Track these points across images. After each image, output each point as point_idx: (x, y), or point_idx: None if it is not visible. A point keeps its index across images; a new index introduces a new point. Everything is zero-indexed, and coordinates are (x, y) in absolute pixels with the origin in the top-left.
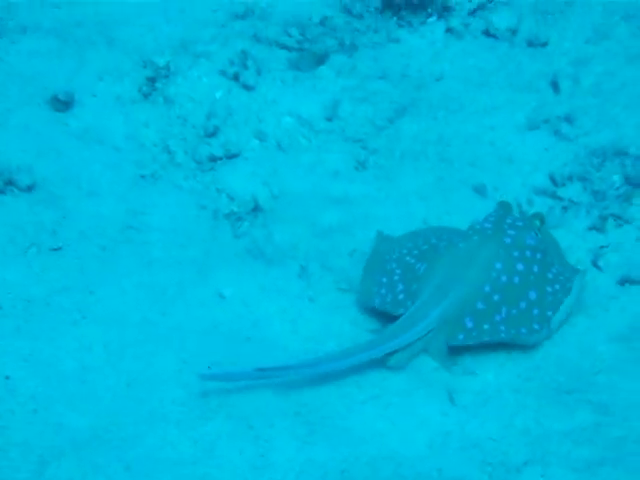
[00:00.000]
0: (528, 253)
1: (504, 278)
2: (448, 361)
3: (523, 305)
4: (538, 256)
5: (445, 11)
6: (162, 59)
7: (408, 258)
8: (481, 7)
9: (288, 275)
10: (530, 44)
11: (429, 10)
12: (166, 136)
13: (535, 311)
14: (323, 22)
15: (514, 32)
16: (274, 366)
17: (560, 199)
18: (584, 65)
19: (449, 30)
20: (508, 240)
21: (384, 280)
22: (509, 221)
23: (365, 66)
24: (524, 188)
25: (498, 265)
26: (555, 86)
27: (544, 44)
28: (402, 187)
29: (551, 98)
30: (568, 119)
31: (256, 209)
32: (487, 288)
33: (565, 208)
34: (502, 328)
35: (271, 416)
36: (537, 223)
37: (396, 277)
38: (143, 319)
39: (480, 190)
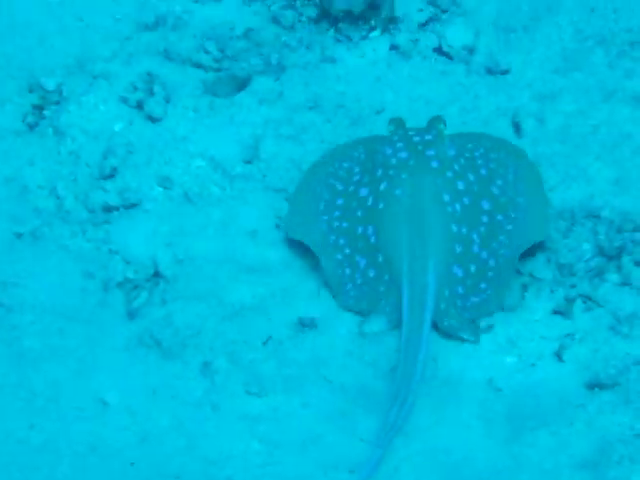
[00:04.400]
0: (456, 166)
1: (457, 206)
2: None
3: (485, 219)
4: (462, 161)
5: (391, 24)
6: (52, 81)
7: (342, 224)
8: (433, 19)
9: (188, 373)
10: (489, 71)
11: (372, 22)
12: (54, 177)
13: (499, 217)
14: (247, 35)
15: (471, 51)
16: None
17: (519, 273)
18: (551, 101)
19: (394, 47)
20: (435, 164)
21: (346, 266)
22: (418, 139)
23: (294, 92)
24: None
25: (446, 197)
26: (517, 127)
27: (505, 72)
28: None
29: (512, 142)
30: None
31: (156, 275)
32: (454, 227)
33: (525, 286)
34: (484, 256)
35: None
36: (442, 127)
37: (351, 254)
38: (7, 434)
39: None
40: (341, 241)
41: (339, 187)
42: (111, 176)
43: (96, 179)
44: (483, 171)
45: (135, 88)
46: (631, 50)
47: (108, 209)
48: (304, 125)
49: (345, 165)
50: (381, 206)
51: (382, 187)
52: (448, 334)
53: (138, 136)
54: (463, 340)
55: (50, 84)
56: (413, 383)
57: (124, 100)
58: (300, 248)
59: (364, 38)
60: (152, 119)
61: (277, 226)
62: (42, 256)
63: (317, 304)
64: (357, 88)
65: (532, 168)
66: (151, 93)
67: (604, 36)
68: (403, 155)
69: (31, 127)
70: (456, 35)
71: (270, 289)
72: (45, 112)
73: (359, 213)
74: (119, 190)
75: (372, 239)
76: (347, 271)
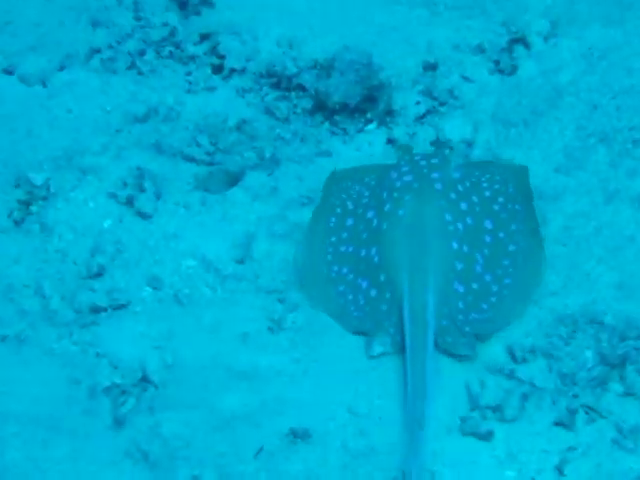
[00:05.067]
0: (460, 187)
1: (460, 225)
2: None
3: (488, 239)
4: (467, 184)
5: (388, 116)
6: (40, 176)
7: (348, 248)
8: (431, 111)
9: None
10: None
11: (368, 115)
12: (40, 275)
13: (501, 234)
14: (240, 127)
15: (470, 145)
16: None
17: (520, 381)
18: (553, 202)
19: (391, 141)
20: (439, 185)
21: (342, 289)
22: (424, 163)
23: (288, 188)
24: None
25: (448, 217)
26: None
27: None
28: (324, 359)
29: None
30: None
31: (144, 380)
32: (455, 245)
33: (525, 395)
34: (488, 279)
35: None
36: (448, 151)
37: (353, 279)
38: None
39: None
40: (344, 269)
41: (350, 206)
42: (99, 275)
43: (84, 278)
44: (487, 193)
45: (125, 184)
46: (634, 149)
47: (96, 310)
48: (298, 223)
49: (357, 188)
50: (385, 226)
51: (386, 208)
52: (447, 351)
53: (128, 233)
54: (460, 357)
55: (38, 179)
56: (425, 403)
57: (113, 196)
58: (289, 354)
59: (360, 131)
60: (142, 216)
61: (269, 329)
62: (27, 361)
63: (310, 413)
64: None
65: (527, 181)
66: (141, 189)
67: (607, 134)
68: (408, 178)
69: (17, 223)
70: (454, 129)
71: (261, 397)
72: (32, 208)
73: (364, 235)
74: (107, 290)
75: (375, 259)
76: (349, 297)
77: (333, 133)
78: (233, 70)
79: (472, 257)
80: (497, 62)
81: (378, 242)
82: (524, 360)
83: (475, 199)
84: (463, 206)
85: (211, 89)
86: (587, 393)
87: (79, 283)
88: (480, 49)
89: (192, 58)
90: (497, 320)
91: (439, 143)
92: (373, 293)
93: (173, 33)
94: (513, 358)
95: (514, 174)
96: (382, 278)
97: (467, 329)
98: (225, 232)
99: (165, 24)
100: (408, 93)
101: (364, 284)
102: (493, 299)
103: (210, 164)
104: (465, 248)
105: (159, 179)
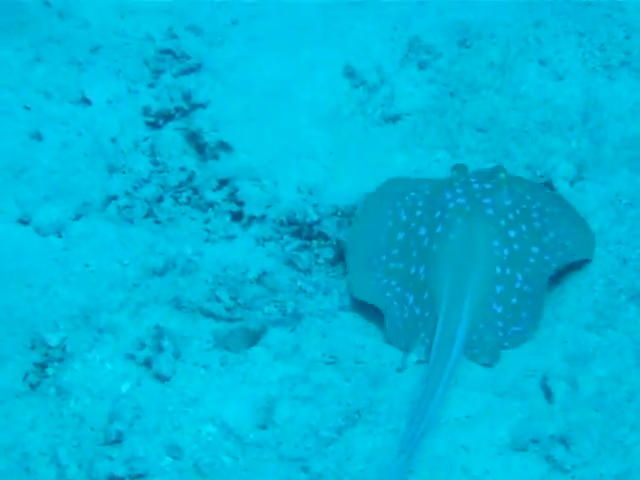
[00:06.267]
0: (511, 216)
1: (506, 251)
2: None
3: (532, 260)
4: (517, 212)
5: None
6: (56, 336)
7: (398, 264)
8: None
9: None
10: None
11: None
12: (57, 442)
13: (546, 257)
14: (261, 279)
15: None
16: None
17: None
18: (584, 364)
19: None
20: (490, 211)
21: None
22: (477, 187)
23: (311, 345)
24: None
25: (496, 243)
26: (548, 392)
27: None
28: None
29: (543, 408)
30: (564, 441)
31: None
32: (498, 269)
33: None
34: (526, 289)
35: None
36: (502, 176)
37: (402, 293)
38: None
39: None
40: (393, 282)
41: (403, 217)
42: (117, 442)
43: (101, 445)
44: (537, 224)
45: (143, 345)
46: None
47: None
48: (322, 384)
49: (412, 194)
50: (434, 248)
51: (438, 230)
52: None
53: (146, 397)
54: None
55: (53, 340)
56: (435, 401)
57: (131, 357)
58: None
59: None
60: (161, 378)
61: None
62: None
63: None
64: (376, 342)
65: (586, 227)
66: (160, 349)
67: (637, 291)
68: (461, 201)
69: (33, 387)
70: None
71: None
72: (48, 370)
73: (414, 253)
74: (125, 459)
75: (422, 277)
76: (395, 303)
77: None
78: (253, 217)
79: (513, 277)
80: None
81: (427, 262)
82: None
83: (524, 228)
84: (512, 234)
85: (230, 238)
86: None
87: (96, 450)
88: None
89: (211, 205)
90: (532, 328)
91: (495, 167)
92: (417, 311)
93: (191, 178)
94: None
95: (568, 219)
96: (425, 296)
97: (506, 344)
98: (246, 395)
99: (182, 169)
100: None
101: (410, 299)
102: (529, 302)
103: (230, 320)
104: (507, 270)
105: (178, 337)
